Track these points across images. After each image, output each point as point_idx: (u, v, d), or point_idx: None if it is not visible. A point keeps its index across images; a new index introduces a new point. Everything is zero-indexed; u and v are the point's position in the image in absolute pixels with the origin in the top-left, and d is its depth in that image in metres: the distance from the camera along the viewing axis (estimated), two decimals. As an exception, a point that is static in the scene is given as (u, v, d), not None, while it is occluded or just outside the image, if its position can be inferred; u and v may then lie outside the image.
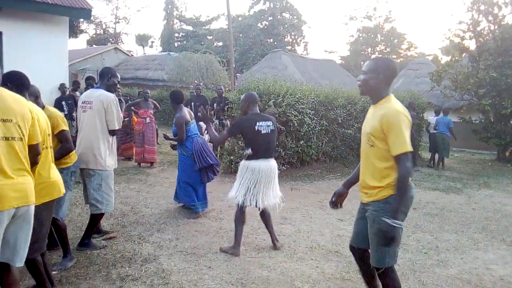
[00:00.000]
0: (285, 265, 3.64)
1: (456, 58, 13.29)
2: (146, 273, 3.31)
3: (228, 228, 4.56)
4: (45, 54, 8.27)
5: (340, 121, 8.90)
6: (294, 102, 7.71)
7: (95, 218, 3.80)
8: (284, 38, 35.31)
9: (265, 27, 34.72)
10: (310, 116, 8.04)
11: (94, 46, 32.46)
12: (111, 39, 36.86)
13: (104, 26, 38.55)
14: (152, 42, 40.80)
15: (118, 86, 4.50)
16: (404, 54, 35.19)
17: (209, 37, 38.74)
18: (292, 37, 36.12)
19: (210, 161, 4.90)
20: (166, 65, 21.67)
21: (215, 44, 38.02)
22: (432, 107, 11.99)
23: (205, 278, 3.28)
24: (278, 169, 7.42)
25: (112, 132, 3.77)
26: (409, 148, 2.21)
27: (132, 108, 8.68)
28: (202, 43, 36.16)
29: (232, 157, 7.46)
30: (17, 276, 2.34)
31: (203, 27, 39.25)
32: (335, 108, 8.78)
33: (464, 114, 13.09)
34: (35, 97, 3.02)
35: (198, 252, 3.83)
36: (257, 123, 3.85)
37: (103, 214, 3.88)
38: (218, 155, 8.73)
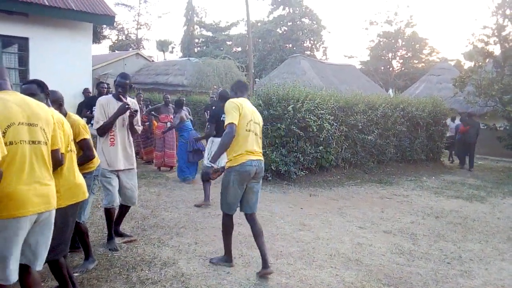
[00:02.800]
0: (304, 272, 3.61)
1: (480, 63, 12.96)
2: (165, 277, 3.33)
3: (247, 234, 4.54)
4: (70, 59, 8.47)
5: (360, 127, 8.79)
6: (314, 107, 7.67)
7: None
8: (303, 43, 35.26)
9: (284, 32, 34.75)
10: (330, 121, 7.99)
11: (116, 51, 33.12)
12: (132, 45, 37.57)
13: (126, 32, 39.36)
14: (173, 47, 41.40)
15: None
16: (425, 59, 34.59)
17: (228, 43, 39.04)
18: (311, 42, 36.03)
19: (197, 147, 7.03)
20: (186, 70, 21.90)
21: (234, 49, 38.28)
22: (455, 114, 11.79)
23: (224, 283, 3.28)
24: (297, 174, 7.49)
25: (98, 131, 3.90)
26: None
27: (153, 112, 8.84)
28: (221, 48, 36.48)
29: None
30: (37, 277, 2.37)
31: (223, 33, 39.59)
32: (355, 114, 8.69)
33: (488, 121, 12.74)
34: (58, 104, 3.07)
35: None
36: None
37: (111, 209, 3.94)
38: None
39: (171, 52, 41.32)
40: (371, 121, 9.04)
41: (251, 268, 3.62)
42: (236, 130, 3.35)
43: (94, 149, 3.38)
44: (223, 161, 4.19)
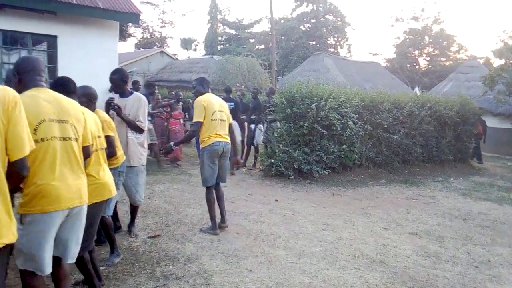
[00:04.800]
0: (327, 272, 3.57)
1: (511, 61, 12.51)
2: (188, 273, 3.36)
3: (269, 232, 4.55)
4: (96, 57, 8.64)
5: (386, 126, 8.62)
6: (337, 105, 7.58)
7: None
8: (327, 40, 34.83)
9: (308, 29, 34.42)
10: (354, 120, 7.87)
11: (141, 49, 33.67)
12: (157, 43, 38.09)
13: (151, 30, 39.91)
14: (196, 45, 41.74)
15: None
16: (453, 56, 33.55)
17: (251, 40, 39.02)
18: (335, 39, 35.55)
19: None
20: (209, 68, 22.04)
21: (256, 47, 38.23)
22: (485, 113, 11.41)
23: (246, 281, 3.28)
24: (319, 173, 7.42)
25: None
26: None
27: (164, 108, 9.10)
28: (244, 46, 36.48)
29: (272, 160, 7.44)
30: (68, 271, 2.43)
31: (246, 30, 39.60)
32: (380, 112, 8.53)
33: (519, 121, 12.30)
34: (88, 100, 3.13)
35: (239, 255, 3.84)
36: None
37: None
38: (255, 157, 8.78)
39: (195, 50, 41.69)
40: (397, 120, 8.85)
41: (274, 266, 3.61)
42: (204, 122, 4.30)
43: (115, 147, 3.43)
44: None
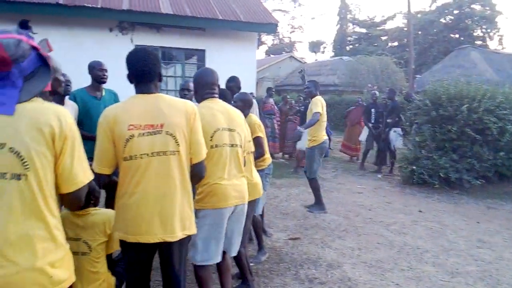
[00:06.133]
0: (488, 297, 3.17)
1: None
2: (332, 279, 3.37)
3: (414, 245, 4.26)
4: (238, 67, 9.30)
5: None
6: (494, 107, 6.65)
7: None
8: (473, 33, 30.96)
9: (449, 22, 31.15)
10: (514, 123, 6.81)
11: (271, 55, 35.19)
12: (286, 48, 39.30)
13: (280, 36, 41.40)
14: (324, 47, 41.70)
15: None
16: None
17: (383, 38, 37.17)
18: (483, 30, 31.35)
19: None
20: (338, 69, 21.77)
21: (389, 44, 36.23)
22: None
23: (393, 295, 3.13)
24: (471, 183, 6.61)
25: None
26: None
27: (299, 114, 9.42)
28: (376, 44, 34.95)
29: (414, 167, 6.93)
30: (229, 264, 2.71)
31: (377, 28, 37.90)
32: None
33: None
34: (243, 105, 3.39)
35: (383, 266, 3.69)
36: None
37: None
38: (392, 162, 8.28)
39: (323, 52, 41.71)
40: None
41: (423, 283, 3.36)
42: (318, 120, 5.14)
43: (264, 148, 3.63)
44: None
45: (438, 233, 4.67)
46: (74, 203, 1.47)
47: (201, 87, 2.52)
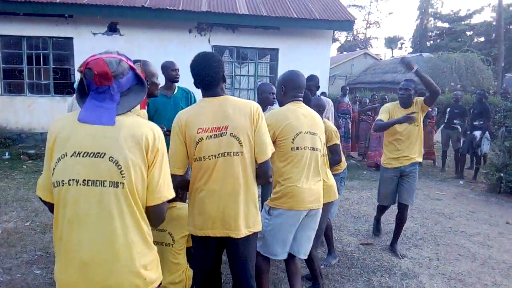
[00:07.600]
0: None
1: None
2: (407, 289, 3.24)
3: (500, 259, 3.92)
4: (312, 65, 9.25)
5: None
6: None
7: None
8: None
9: (547, 14, 27.83)
10: None
11: (344, 52, 34.28)
12: (360, 45, 38.01)
13: (355, 32, 40.13)
14: (402, 43, 39.60)
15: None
16: None
17: (467, 33, 34.28)
18: None
19: None
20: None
21: (475, 39, 33.33)
22: None
23: (476, 313, 2.93)
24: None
25: None
26: None
27: (368, 112, 8.95)
28: (459, 39, 32.36)
29: (502, 174, 6.35)
30: (299, 266, 2.72)
31: (462, 22, 35.05)
32: None
33: None
34: (318, 110, 3.38)
35: (464, 280, 3.45)
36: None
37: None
38: (477, 168, 7.66)
39: (400, 48, 39.64)
40: None
41: (511, 303, 3.09)
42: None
43: (341, 154, 3.59)
44: None
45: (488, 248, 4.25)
46: (157, 217, 1.49)
47: (291, 89, 2.56)
